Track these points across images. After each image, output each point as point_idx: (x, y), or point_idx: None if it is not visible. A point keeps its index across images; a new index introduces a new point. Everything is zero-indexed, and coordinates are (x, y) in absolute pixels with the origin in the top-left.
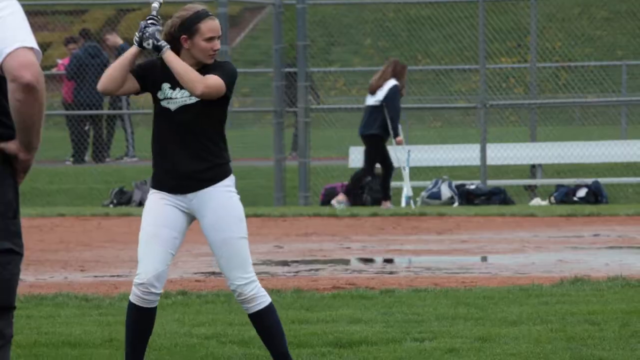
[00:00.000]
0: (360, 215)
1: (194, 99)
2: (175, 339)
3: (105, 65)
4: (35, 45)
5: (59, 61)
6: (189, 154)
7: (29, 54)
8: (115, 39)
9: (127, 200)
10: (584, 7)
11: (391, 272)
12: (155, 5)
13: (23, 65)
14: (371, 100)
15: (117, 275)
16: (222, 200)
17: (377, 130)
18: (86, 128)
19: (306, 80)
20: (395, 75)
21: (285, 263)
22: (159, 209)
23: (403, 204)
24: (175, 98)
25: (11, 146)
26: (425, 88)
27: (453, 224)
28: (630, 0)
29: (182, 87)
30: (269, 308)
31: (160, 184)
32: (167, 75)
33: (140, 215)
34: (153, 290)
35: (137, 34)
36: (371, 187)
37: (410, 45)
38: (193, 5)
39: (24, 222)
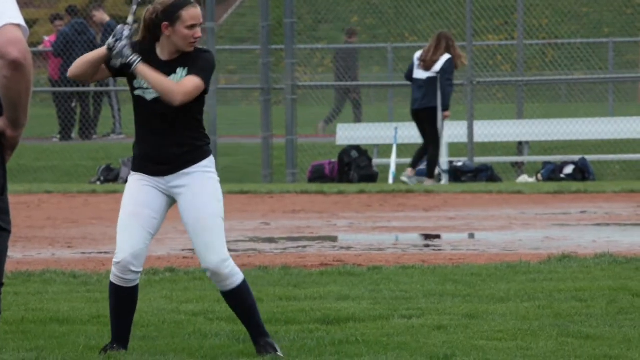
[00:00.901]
0: (348, 192)
1: None
2: (163, 315)
3: (92, 42)
4: (22, 22)
5: (46, 38)
6: (168, 140)
7: (16, 31)
8: (102, 16)
9: (114, 177)
10: None
11: (379, 249)
12: (134, 6)
13: (10, 41)
14: (428, 73)
15: (105, 252)
16: (198, 180)
17: (436, 103)
18: (73, 105)
19: (293, 57)
20: (448, 48)
21: (272, 240)
22: (139, 190)
23: (391, 180)
24: (150, 88)
25: None
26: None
27: (440, 201)
28: None
29: None
30: (244, 285)
31: (140, 167)
32: None
33: None
34: (132, 268)
35: (110, 39)
36: (358, 164)
37: (397, 22)
38: None
39: (11, 199)
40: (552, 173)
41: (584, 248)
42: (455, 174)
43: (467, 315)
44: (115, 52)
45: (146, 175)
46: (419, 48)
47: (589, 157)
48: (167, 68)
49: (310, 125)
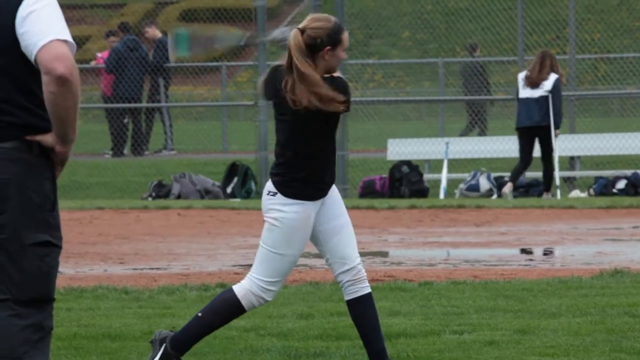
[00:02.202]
0: (399, 207)
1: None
2: (215, 332)
3: (144, 59)
4: (69, 38)
5: (99, 54)
6: (330, 160)
7: (62, 47)
8: (154, 32)
9: (165, 193)
10: None
11: (430, 265)
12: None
13: (56, 57)
14: (539, 92)
15: (157, 268)
16: (334, 191)
17: (549, 122)
18: (125, 121)
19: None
20: (553, 68)
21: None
22: (307, 233)
23: (442, 195)
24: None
25: (47, 139)
26: (464, 80)
27: (491, 216)
28: None
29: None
30: (371, 295)
31: (314, 193)
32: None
33: (178, 208)
34: (264, 302)
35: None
36: (409, 179)
37: (449, 37)
38: (323, 16)
39: (63, 215)
40: (604, 188)
41: (637, 263)
42: None
43: (519, 330)
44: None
45: (311, 203)
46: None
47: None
48: None
49: (361, 141)
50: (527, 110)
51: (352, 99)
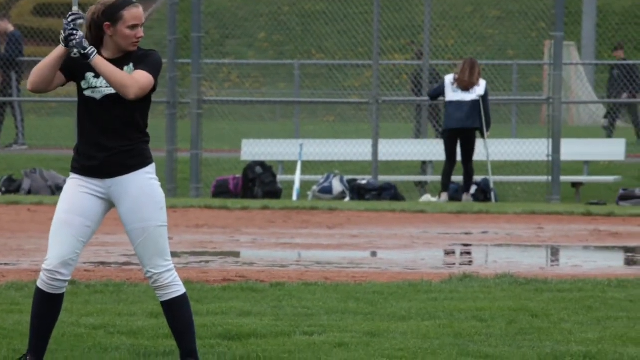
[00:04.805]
0: (252, 208)
1: None
2: (63, 328)
3: None
4: None
5: None
6: (112, 140)
7: None
8: (6, 25)
9: (16, 188)
10: (476, 5)
11: (282, 266)
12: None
13: None
14: (471, 96)
15: (5, 264)
16: (141, 187)
17: (479, 124)
18: None
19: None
20: (479, 72)
21: (175, 254)
22: (75, 196)
23: (295, 197)
24: (100, 87)
25: None
26: (319, 82)
27: (344, 219)
28: (522, 0)
29: None
30: (183, 298)
31: (80, 168)
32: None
33: (28, 204)
34: (59, 277)
35: (62, 33)
36: (263, 180)
37: (305, 39)
38: None
39: None
40: (455, 193)
41: (485, 268)
42: (359, 192)
43: (369, 333)
44: (75, 42)
45: (85, 178)
46: (325, 65)
47: (491, 178)
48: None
49: (215, 140)
50: (458, 113)
51: (206, 98)
